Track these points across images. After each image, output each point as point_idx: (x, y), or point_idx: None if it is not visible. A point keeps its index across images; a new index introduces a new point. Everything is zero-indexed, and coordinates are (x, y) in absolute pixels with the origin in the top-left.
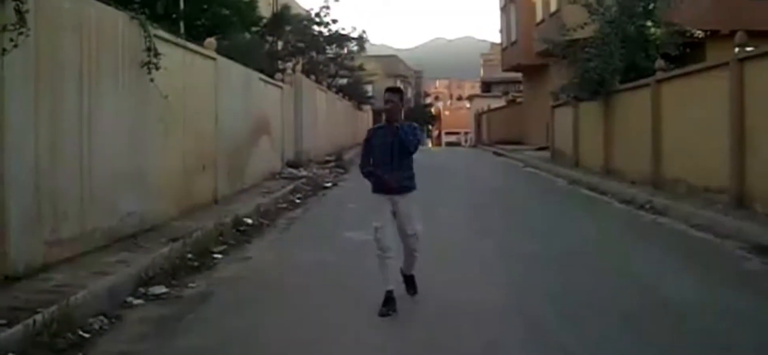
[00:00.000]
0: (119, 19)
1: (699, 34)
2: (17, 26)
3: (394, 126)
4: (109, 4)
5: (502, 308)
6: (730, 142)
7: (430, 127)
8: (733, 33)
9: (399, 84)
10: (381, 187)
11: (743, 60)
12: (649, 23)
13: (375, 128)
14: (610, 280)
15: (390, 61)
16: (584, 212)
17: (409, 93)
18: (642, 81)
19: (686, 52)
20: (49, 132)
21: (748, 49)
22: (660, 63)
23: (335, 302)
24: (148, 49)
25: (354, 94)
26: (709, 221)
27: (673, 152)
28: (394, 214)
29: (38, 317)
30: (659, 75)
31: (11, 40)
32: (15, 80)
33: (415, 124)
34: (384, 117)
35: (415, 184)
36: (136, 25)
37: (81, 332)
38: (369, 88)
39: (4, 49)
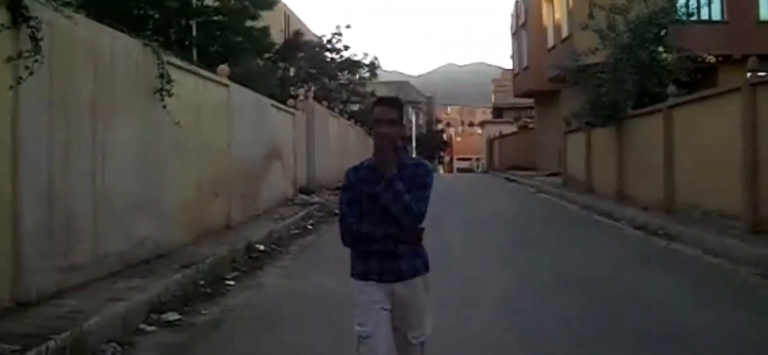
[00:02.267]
0: (133, 46)
1: (711, 59)
2: (32, 53)
3: (389, 165)
4: (123, 31)
5: (520, 338)
6: (743, 167)
7: (441, 153)
8: (745, 58)
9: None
10: (369, 268)
11: (756, 85)
12: (660, 49)
13: (356, 170)
14: (625, 307)
15: (401, 87)
16: (598, 238)
17: (421, 119)
18: (654, 107)
19: (698, 78)
20: (63, 158)
21: (761, 74)
22: (672, 89)
23: (349, 332)
24: (161, 76)
25: (366, 120)
26: (724, 246)
27: (687, 178)
28: (391, 310)
29: (51, 344)
30: (672, 101)
31: (27, 67)
32: (30, 107)
33: (426, 164)
34: (374, 147)
35: (426, 261)
36: (150, 52)
37: None
38: None
39: (19, 78)
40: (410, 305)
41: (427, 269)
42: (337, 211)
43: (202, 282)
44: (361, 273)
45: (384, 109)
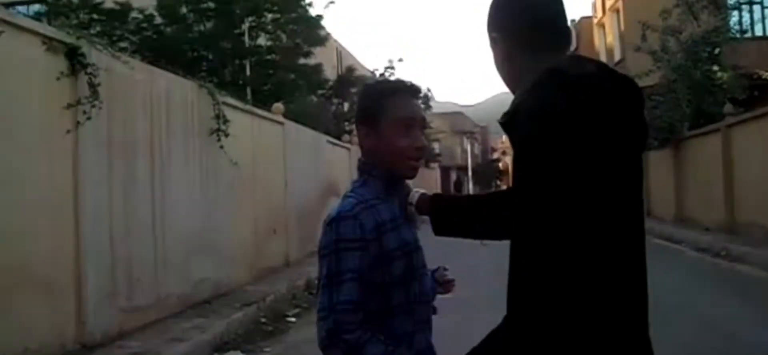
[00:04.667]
0: (188, 88)
1: (766, 76)
2: (90, 99)
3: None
4: (178, 74)
5: None
6: None
7: (498, 182)
8: None
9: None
10: None
11: None
12: (715, 68)
13: (367, 208)
14: (691, 330)
15: (456, 117)
16: (659, 262)
17: (476, 149)
18: (712, 126)
19: (755, 95)
20: (123, 201)
21: None
22: (728, 107)
23: None
24: (217, 117)
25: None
26: None
27: (748, 197)
28: None
29: None
30: (729, 119)
31: (84, 112)
32: (89, 152)
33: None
34: (395, 170)
35: None
36: (205, 93)
37: None
38: (436, 145)
39: (78, 123)
40: None
41: None
42: None
43: (263, 320)
44: None
45: (418, 103)
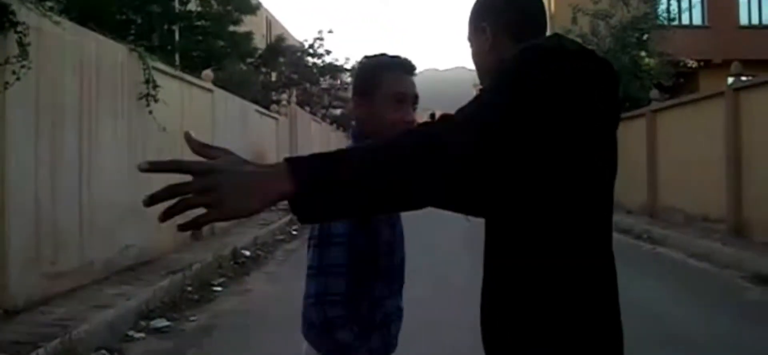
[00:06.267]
0: (118, 51)
1: (692, 64)
2: (19, 59)
3: None
4: (107, 36)
5: None
6: (726, 171)
7: None
8: (725, 62)
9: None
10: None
11: (738, 89)
12: (643, 54)
13: None
14: None
15: None
16: None
17: None
18: (637, 111)
19: (680, 82)
20: (49, 165)
21: (743, 78)
22: (654, 93)
23: None
24: (147, 81)
25: (347, 124)
26: (708, 250)
27: (670, 182)
28: None
29: (40, 351)
30: (654, 105)
31: (14, 72)
32: (16, 113)
33: None
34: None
35: None
36: (136, 57)
37: None
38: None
39: (6, 83)
40: None
41: None
42: None
43: (189, 288)
44: None
45: (411, 80)
